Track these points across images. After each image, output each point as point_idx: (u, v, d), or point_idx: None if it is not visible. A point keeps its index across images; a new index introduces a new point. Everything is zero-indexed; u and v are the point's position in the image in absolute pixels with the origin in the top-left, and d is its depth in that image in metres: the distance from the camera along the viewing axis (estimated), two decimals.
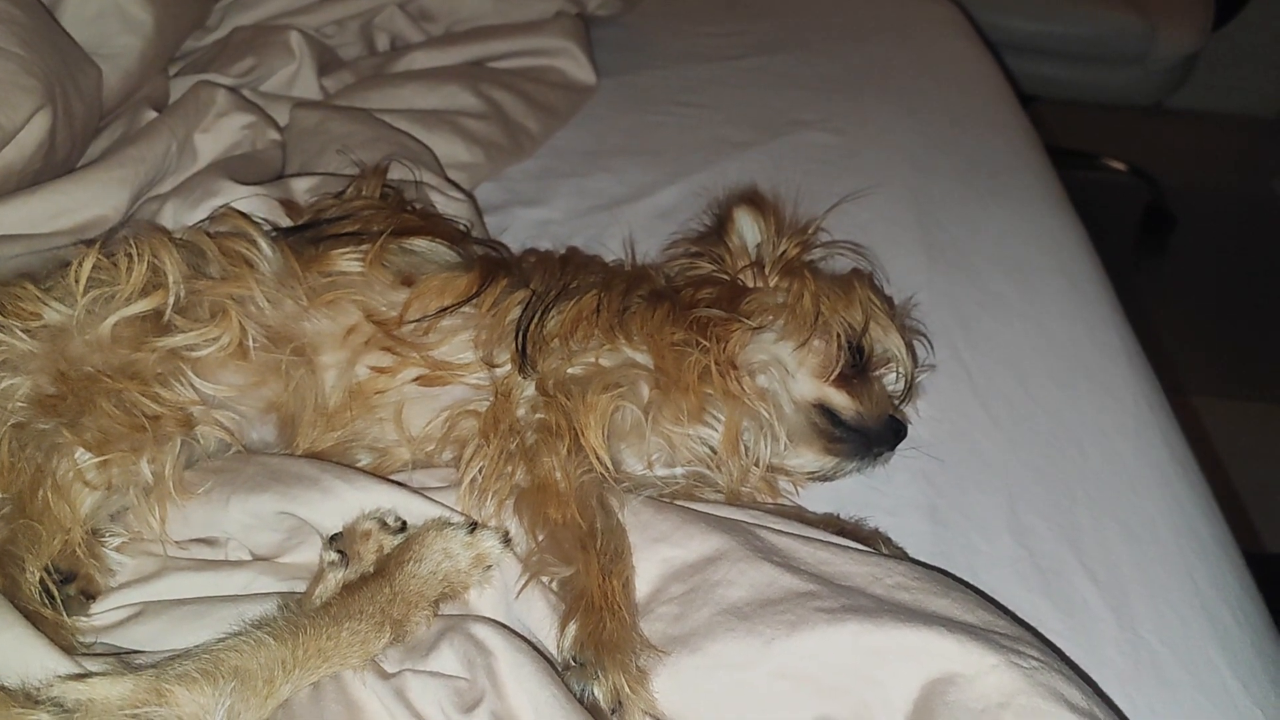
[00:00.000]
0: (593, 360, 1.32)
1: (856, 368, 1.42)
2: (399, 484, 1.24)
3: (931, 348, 1.59)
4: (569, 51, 2.42)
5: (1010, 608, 1.22)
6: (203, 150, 1.81)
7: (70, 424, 1.17)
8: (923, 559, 1.31)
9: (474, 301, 1.36)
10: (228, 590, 1.18)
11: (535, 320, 1.33)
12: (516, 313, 1.35)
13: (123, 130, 1.87)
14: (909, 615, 1.05)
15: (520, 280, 1.40)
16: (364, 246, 1.37)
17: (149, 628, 1.13)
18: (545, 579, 1.16)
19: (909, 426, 1.45)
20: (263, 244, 1.36)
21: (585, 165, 2.18)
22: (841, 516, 1.35)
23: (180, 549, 1.24)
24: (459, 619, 1.11)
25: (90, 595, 1.17)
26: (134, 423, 1.19)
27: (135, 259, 1.26)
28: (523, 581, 1.15)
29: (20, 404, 1.19)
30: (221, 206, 1.54)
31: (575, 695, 1.04)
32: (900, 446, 1.44)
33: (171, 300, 1.27)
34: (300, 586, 1.17)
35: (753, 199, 1.62)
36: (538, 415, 1.25)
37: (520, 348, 1.31)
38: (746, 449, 1.35)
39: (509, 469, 1.21)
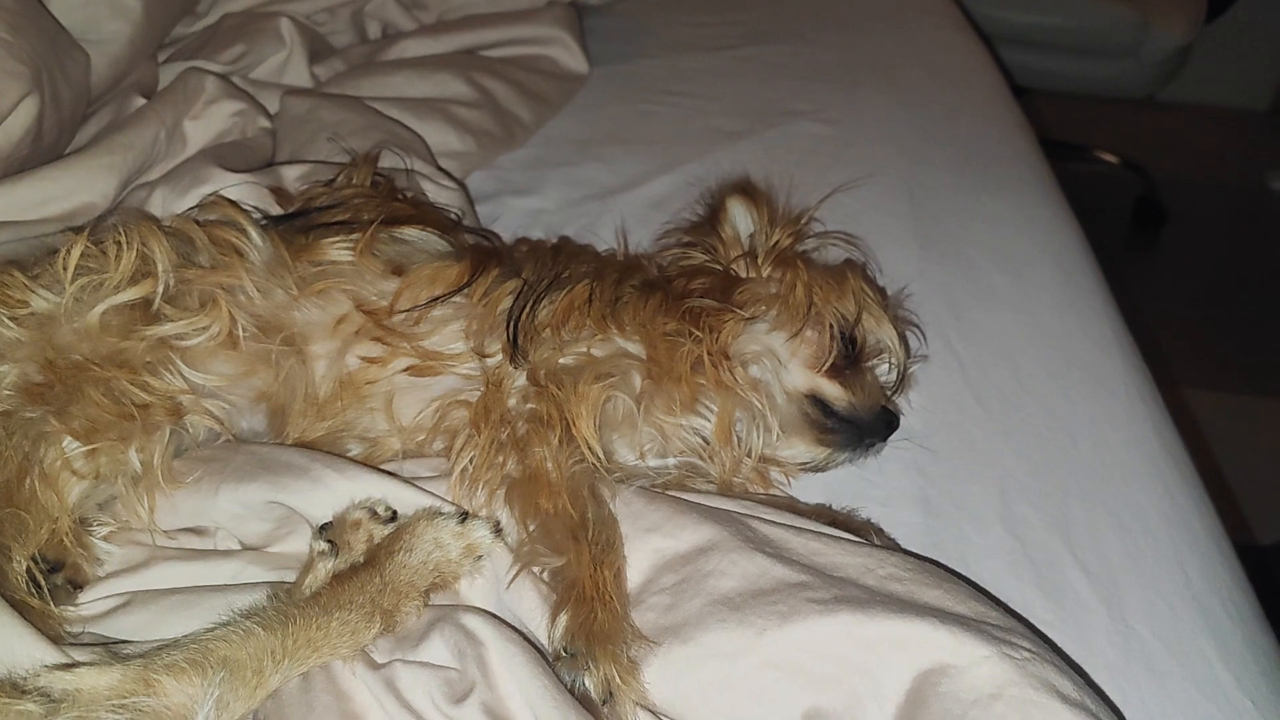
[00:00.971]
0: (584, 350, 1.31)
1: (849, 358, 1.42)
2: (389, 473, 1.23)
3: (924, 338, 1.58)
4: (561, 40, 2.41)
5: (1002, 598, 1.22)
6: (192, 137, 1.80)
7: (58, 412, 1.16)
8: (915, 550, 1.31)
9: (465, 291, 1.35)
10: (217, 580, 1.17)
11: (527, 310, 1.32)
12: (508, 302, 1.34)
13: (111, 117, 1.86)
14: (901, 606, 1.05)
15: (512, 270, 1.39)
16: (354, 236, 1.36)
17: (137, 617, 1.12)
18: (536, 569, 1.15)
19: (901, 417, 1.44)
20: (253, 233, 1.35)
21: (577, 154, 2.17)
22: (834, 507, 1.35)
23: (169, 538, 1.23)
24: (449, 609, 1.10)
25: (78, 585, 1.17)
26: (122, 411, 1.18)
27: (124, 247, 1.24)
28: (514, 572, 1.14)
29: (7, 392, 1.17)
30: (211, 194, 1.52)
31: (566, 686, 1.04)
32: (892, 437, 1.44)
33: (161, 289, 1.26)
34: (290, 576, 1.16)
35: (746, 189, 1.61)
36: (529, 405, 1.25)
37: (512, 338, 1.30)
38: (739, 439, 1.35)
39: (500, 459, 1.21)
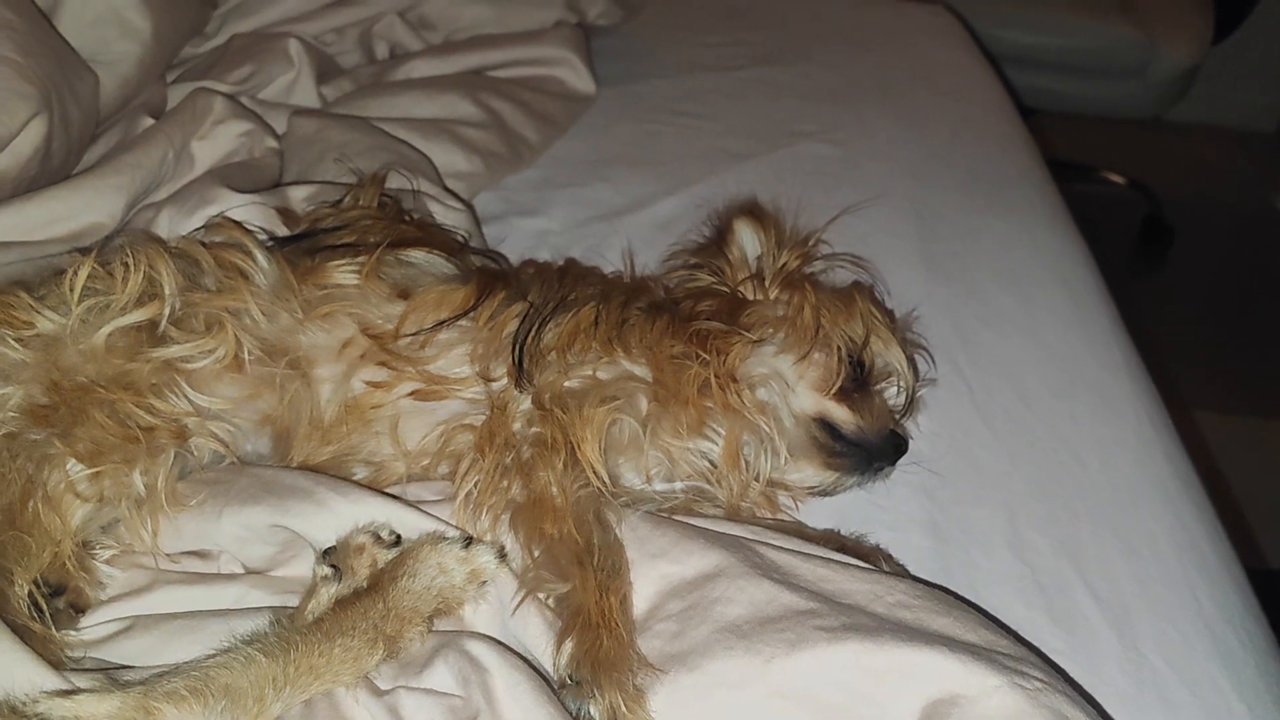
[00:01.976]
0: (590, 373, 1.30)
1: (857, 381, 1.41)
2: (394, 497, 1.22)
3: (933, 361, 1.57)
4: (568, 61, 2.41)
5: (1012, 626, 1.21)
6: (200, 157, 1.80)
7: (63, 434, 1.16)
8: (923, 576, 1.30)
9: (471, 315, 1.34)
10: (219, 604, 1.16)
11: (532, 333, 1.32)
12: (514, 326, 1.34)
13: (119, 137, 1.86)
14: (910, 634, 1.04)
15: (518, 292, 1.39)
16: (360, 259, 1.35)
17: (139, 642, 1.11)
18: (541, 595, 1.14)
19: (910, 441, 1.43)
20: (258, 255, 1.35)
21: (584, 175, 2.17)
22: (842, 533, 1.34)
23: (172, 562, 1.22)
24: (454, 635, 1.09)
25: (80, 609, 1.16)
26: (127, 434, 1.18)
27: (131, 269, 1.24)
28: (519, 598, 1.13)
29: (12, 414, 1.17)
30: (217, 215, 1.52)
31: (572, 714, 1.03)
32: (901, 461, 1.43)
33: (167, 311, 1.26)
34: (293, 600, 1.15)
35: (752, 210, 1.61)
36: (534, 429, 1.24)
37: (517, 361, 1.30)
38: (746, 463, 1.34)
39: (505, 483, 1.20)
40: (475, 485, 1.21)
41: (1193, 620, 1.28)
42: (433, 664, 1.06)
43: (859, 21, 3.06)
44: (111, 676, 1.03)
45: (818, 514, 1.39)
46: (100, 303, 1.23)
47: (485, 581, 1.14)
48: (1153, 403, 1.68)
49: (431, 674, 1.05)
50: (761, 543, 1.20)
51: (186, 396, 1.24)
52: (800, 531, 1.31)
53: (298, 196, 1.67)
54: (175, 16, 2.08)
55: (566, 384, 1.29)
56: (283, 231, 1.54)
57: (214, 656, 0.99)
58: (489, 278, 1.40)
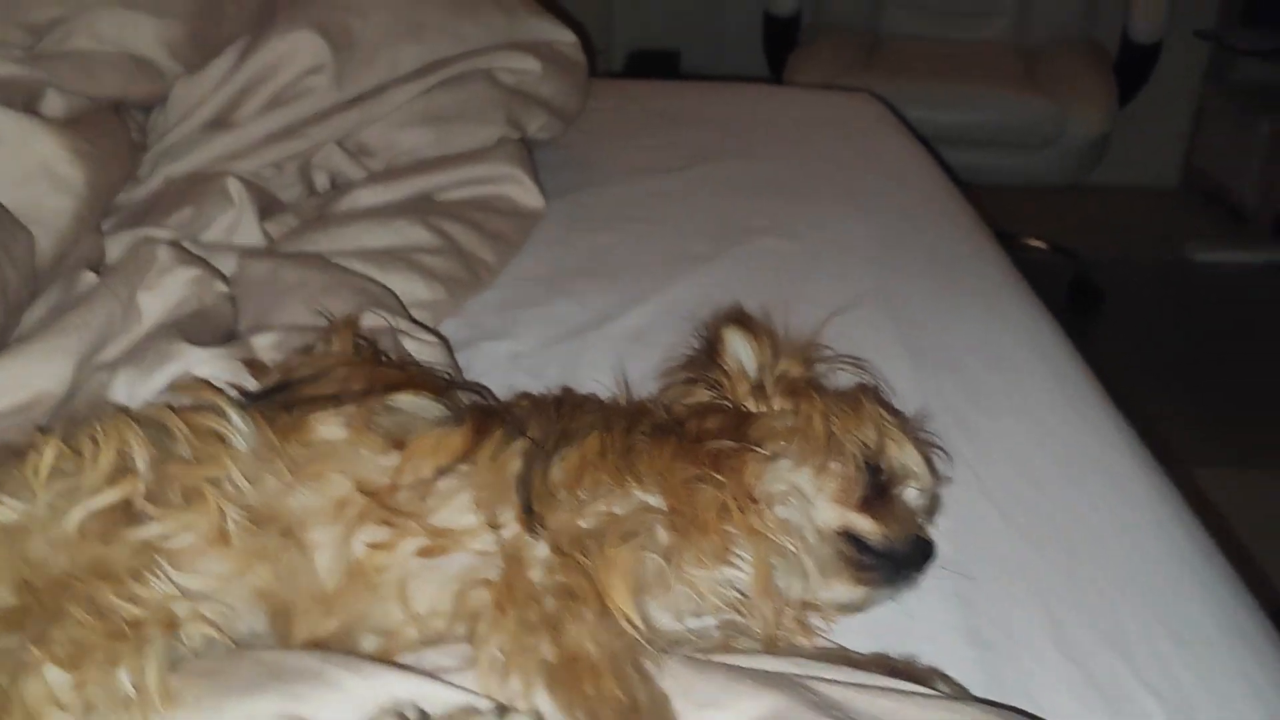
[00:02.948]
0: (604, 509, 1.23)
1: (876, 488, 1.35)
2: (411, 669, 1.12)
3: (948, 458, 1.52)
4: (514, 177, 2.37)
5: None
6: (148, 310, 1.70)
7: (38, 638, 1.04)
8: (974, 689, 1.23)
9: (470, 458, 1.26)
10: None
11: (537, 472, 1.24)
12: (517, 466, 1.26)
13: (59, 295, 1.76)
14: None
15: (516, 429, 1.31)
16: (346, 409, 1.27)
17: None
18: None
19: (936, 545, 1.38)
20: (234, 417, 1.25)
21: (546, 292, 2.11)
22: (890, 655, 1.26)
23: None
24: None
25: None
26: (110, 629, 1.06)
27: (101, 444, 1.14)
28: None
29: None
30: (181, 373, 1.43)
31: None
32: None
33: (142, 488, 1.16)
34: None
35: (739, 318, 1.56)
36: (556, 578, 1.15)
37: (525, 504, 1.22)
38: (778, 589, 1.26)
39: (532, 641, 1.11)
40: (500, 646, 1.11)
41: (1256, 710, 1.23)
42: None
43: (791, 114, 3.10)
44: None
45: (850, 633, 1.32)
46: (68, 485, 1.13)
47: None
48: (1155, 473, 1.66)
49: None
50: (812, 677, 1.12)
51: (170, 578, 1.13)
52: (847, 658, 1.24)
53: (263, 344, 1.58)
54: (107, 164, 2.00)
55: (582, 524, 1.21)
56: (253, 385, 1.44)
57: None
58: (483, 416, 1.32)
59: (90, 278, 1.76)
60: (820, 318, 1.76)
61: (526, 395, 1.49)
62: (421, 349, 1.64)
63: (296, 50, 2.34)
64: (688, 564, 1.23)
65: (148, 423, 1.23)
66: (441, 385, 1.43)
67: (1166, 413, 4.10)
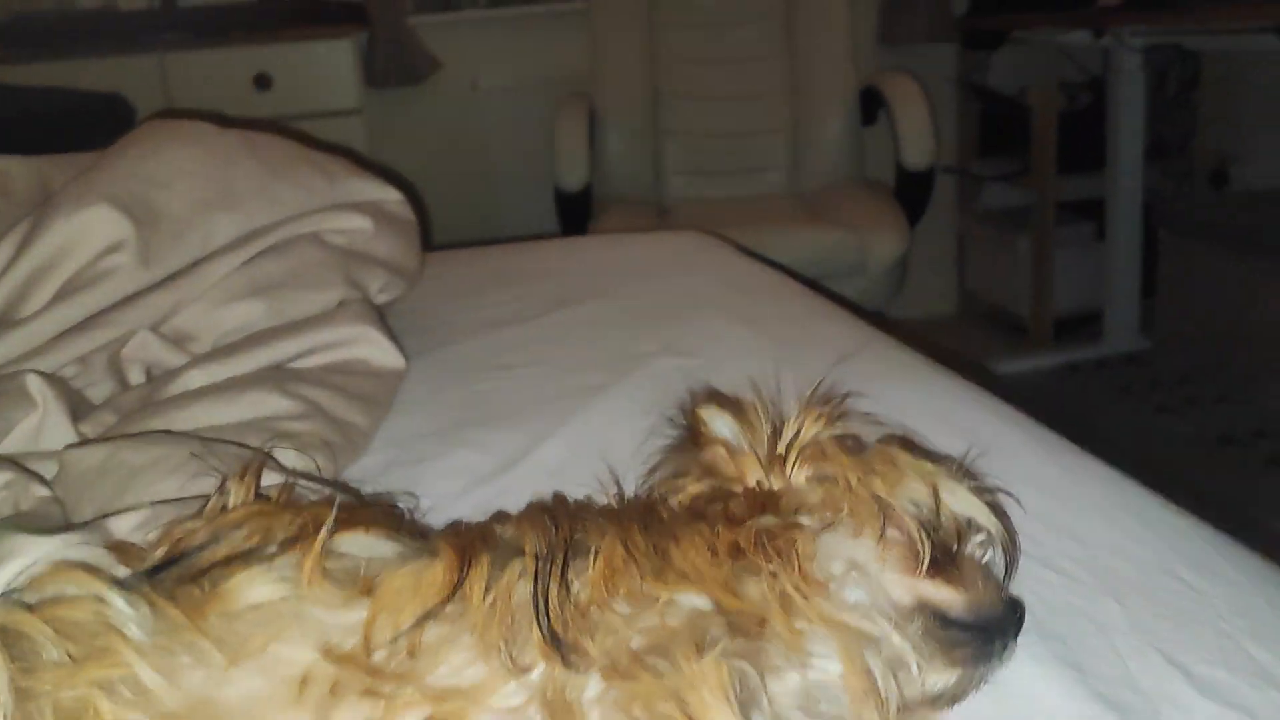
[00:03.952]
0: (656, 621, 0.94)
1: (944, 550, 1.12)
2: None
3: (1018, 502, 1.31)
4: (367, 336, 2.09)
5: None
6: None
7: None
8: None
9: (458, 595, 0.95)
10: None
11: (555, 593, 0.94)
12: (524, 591, 0.95)
13: None
14: None
15: (506, 550, 1.01)
16: (284, 559, 0.94)
17: None
18: None
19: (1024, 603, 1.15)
20: (115, 599, 0.90)
21: (435, 446, 1.81)
22: None
23: None
24: None
25: None
26: None
27: None
28: None
29: None
30: (25, 569, 1.05)
31: None
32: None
33: (2, 716, 0.78)
34: None
35: (712, 397, 1.33)
36: (635, 714, 0.84)
37: (550, 634, 0.91)
38: (879, 688, 0.99)
39: None
40: None
41: None
42: None
43: (633, 256, 2.99)
44: None
45: None
46: None
47: None
48: (1175, 512, 1.51)
49: None
50: None
51: None
52: None
53: (125, 527, 1.21)
54: None
55: (634, 642, 0.91)
56: (123, 571, 1.07)
57: None
58: (460, 541, 1.01)
59: None
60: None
61: (501, 513, 1.19)
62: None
63: (89, 228, 2.01)
64: (764, 670, 0.95)
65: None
66: (398, 520, 1.12)
67: None
